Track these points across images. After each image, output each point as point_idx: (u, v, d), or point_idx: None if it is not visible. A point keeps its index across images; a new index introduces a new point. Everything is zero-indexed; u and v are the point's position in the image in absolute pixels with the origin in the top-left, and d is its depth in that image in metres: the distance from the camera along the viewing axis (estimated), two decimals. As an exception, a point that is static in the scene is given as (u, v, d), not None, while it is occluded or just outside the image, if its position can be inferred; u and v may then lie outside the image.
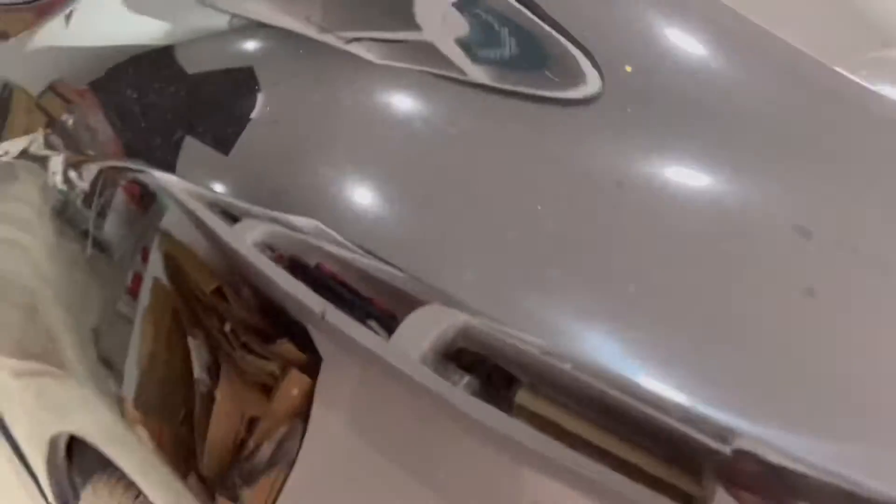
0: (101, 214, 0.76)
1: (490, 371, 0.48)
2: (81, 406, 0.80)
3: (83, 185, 0.78)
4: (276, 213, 0.61)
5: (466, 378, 0.48)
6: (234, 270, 0.64)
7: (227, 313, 0.64)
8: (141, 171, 0.71)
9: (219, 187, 0.65)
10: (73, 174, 0.80)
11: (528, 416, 0.45)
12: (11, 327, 0.96)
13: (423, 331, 0.50)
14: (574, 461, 0.43)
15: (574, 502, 0.44)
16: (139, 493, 0.78)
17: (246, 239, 0.62)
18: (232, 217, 0.64)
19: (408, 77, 0.61)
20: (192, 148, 0.69)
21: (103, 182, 0.76)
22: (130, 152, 0.75)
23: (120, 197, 0.74)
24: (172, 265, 0.69)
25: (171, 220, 0.68)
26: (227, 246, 0.64)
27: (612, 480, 0.41)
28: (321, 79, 0.66)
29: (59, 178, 0.82)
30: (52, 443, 0.91)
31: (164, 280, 0.69)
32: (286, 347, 0.60)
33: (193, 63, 0.76)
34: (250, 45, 0.74)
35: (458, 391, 0.48)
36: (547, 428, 0.44)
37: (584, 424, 0.43)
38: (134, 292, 0.72)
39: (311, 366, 0.57)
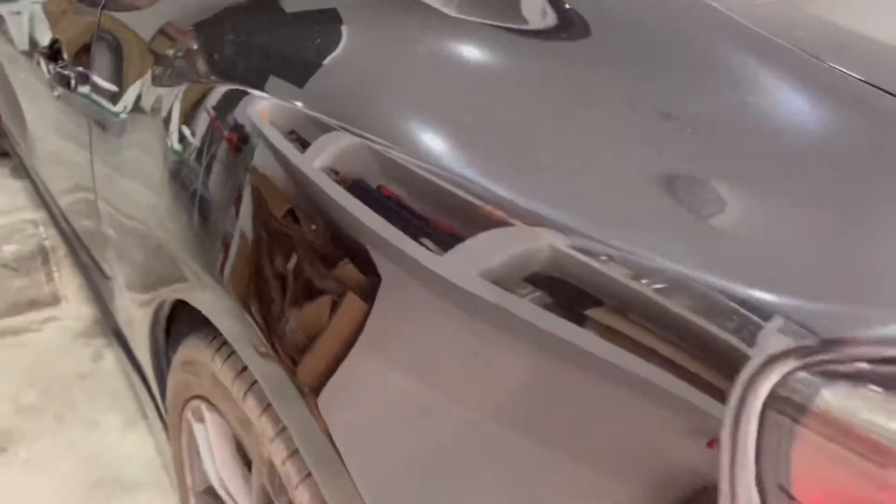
0: (209, 168, 0.84)
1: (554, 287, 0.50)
2: (191, 287, 0.91)
3: (195, 142, 0.87)
4: (350, 127, 0.65)
5: (537, 292, 0.51)
6: (304, 194, 0.68)
7: (296, 236, 0.70)
8: (236, 92, 0.80)
9: (299, 104, 0.71)
10: (186, 132, 0.90)
11: (601, 329, 0.48)
12: (141, 268, 1.11)
13: (494, 251, 0.53)
14: (635, 366, 0.47)
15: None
16: (221, 346, 0.88)
17: (314, 163, 0.67)
18: (304, 144, 0.69)
19: (471, 27, 0.67)
20: (282, 72, 0.78)
21: (211, 138, 0.85)
22: (226, 76, 0.85)
23: (223, 148, 0.82)
24: (256, 195, 0.76)
25: (259, 157, 0.75)
26: (298, 171, 0.69)
27: (660, 378, 0.46)
28: (397, 22, 0.73)
29: (175, 138, 0.92)
30: (157, 309, 1.04)
31: (249, 214, 0.76)
32: (348, 269, 0.64)
33: (289, 4, 0.86)
34: None
35: (527, 304, 0.51)
36: (618, 340, 0.47)
37: (649, 334, 0.47)
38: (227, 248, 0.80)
39: (369, 290, 0.61)
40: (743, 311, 0.44)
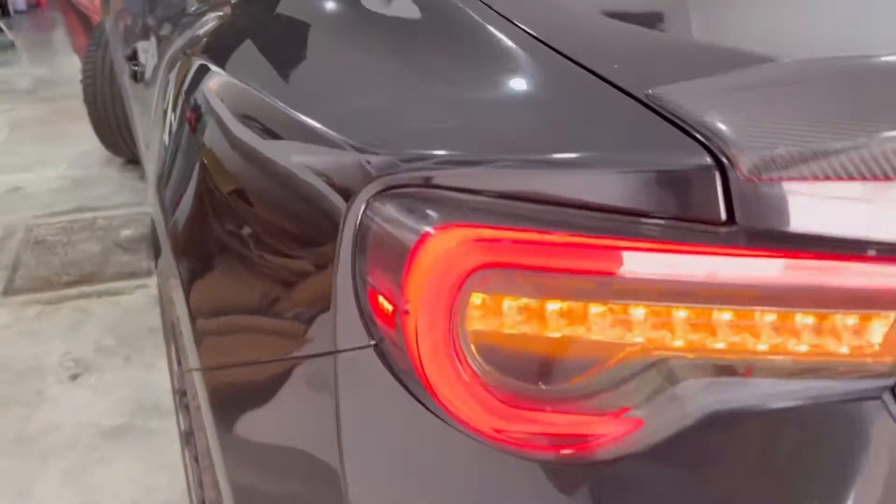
0: (174, 151, 1.03)
1: None
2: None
3: (175, 111, 1.06)
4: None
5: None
6: (256, 174, 0.78)
7: (246, 214, 0.79)
8: (202, 67, 1.00)
9: (258, 86, 0.83)
10: (172, 104, 1.08)
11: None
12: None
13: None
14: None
15: None
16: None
17: (267, 143, 0.77)
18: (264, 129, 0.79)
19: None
20: (250, 57, 0.95)
21: (180, 119, 1.03)
22: (205, 52, 1.07)
23: (186, 129, 0.99)
24: (204, 174, 0.88)
25: (209, 134, 0.89)
26: (248, 148, 0.80)
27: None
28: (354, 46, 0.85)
29: (168, 110, 1.11)
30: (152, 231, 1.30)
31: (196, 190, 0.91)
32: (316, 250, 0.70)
33: (285, 7, 1.02)
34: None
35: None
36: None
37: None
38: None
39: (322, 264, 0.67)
40: (358, 150, 0.66)
